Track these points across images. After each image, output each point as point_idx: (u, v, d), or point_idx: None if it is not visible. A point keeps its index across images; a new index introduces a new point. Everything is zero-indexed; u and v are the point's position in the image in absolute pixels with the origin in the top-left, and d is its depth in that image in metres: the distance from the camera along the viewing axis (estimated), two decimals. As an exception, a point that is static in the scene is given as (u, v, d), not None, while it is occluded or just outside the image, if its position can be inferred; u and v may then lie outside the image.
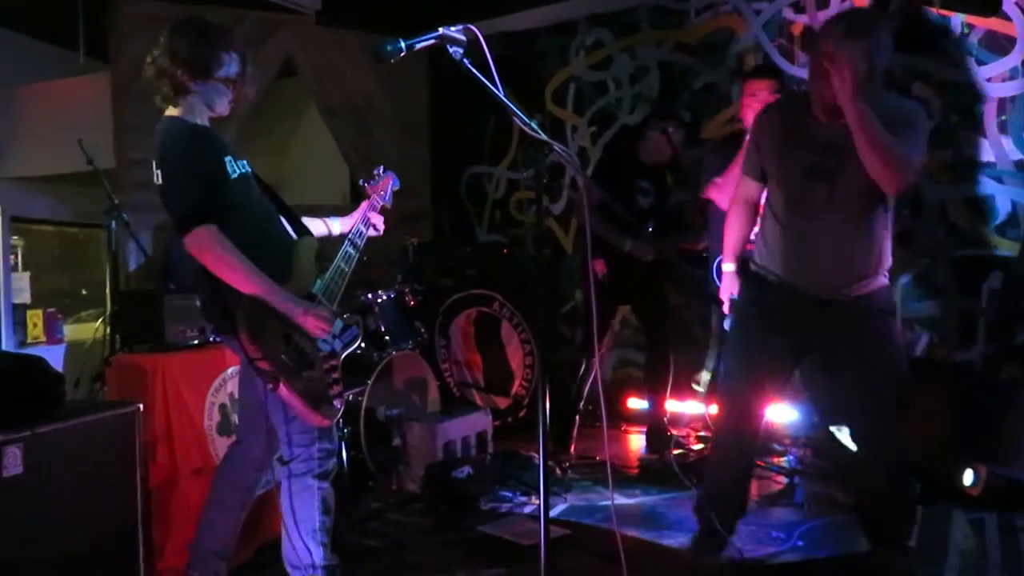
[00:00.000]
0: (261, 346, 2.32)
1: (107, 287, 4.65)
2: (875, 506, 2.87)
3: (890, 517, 2.82)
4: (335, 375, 2.49)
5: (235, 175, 2.45)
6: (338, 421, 3.71)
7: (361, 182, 2.99)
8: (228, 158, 2.46)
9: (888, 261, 2.77)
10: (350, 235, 2.73)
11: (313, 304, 2.43)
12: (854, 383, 2.79)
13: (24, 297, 6.32)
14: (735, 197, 3.07)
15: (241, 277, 2.31)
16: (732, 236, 3.07)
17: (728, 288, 3.12)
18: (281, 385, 2.31)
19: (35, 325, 6.31)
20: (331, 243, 2.78)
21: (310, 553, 2.48)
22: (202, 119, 2.49)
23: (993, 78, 4.33)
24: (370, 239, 2.86)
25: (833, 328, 2.75)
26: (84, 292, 7.26)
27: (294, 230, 2.64)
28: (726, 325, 3.09)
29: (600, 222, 4.18)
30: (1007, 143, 4.31)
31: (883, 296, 2.76)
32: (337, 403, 2.46)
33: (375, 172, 2.99)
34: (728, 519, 2.97)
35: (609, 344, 4.94)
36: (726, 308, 3.11)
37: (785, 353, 2.86)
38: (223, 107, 2.52)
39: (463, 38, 1.92)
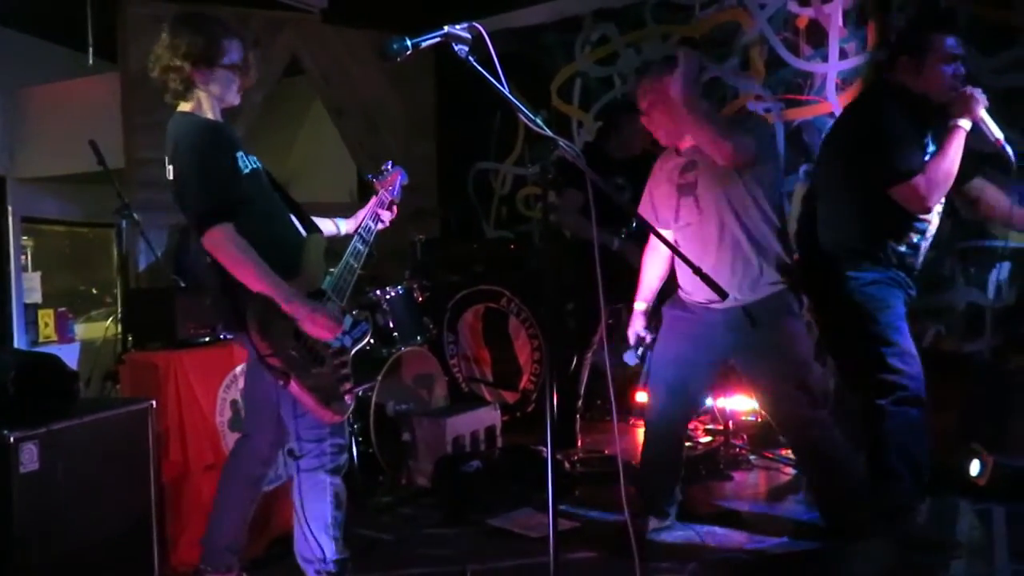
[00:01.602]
0: (271, 343, 2.33)
1: (118, 286, 4.68)
2: (821, 498, 3.11)
3: (834, 506, 3.02)
4: (345, 371, 2.51)
5: (247, 171, 2.47)
6: (348, 417, 3.76)
7: (369, 177, 2.99)
8: (240, 153, 2.47)
9: (772, 269, 2.95)
10: (358, 231, 2.74)
11: (322, 304, 2.44)
12: (755, 381, 3.13)
13: (35, 297, 6.36)
14: (649, 243, 3.30)
15: (253, 277, 2.33)
16: (645, 277, 3.30)
17: (634, 326, 3.28)
18: (292, 381, 2.32)
19: (46, 324, 6.36)
20: (340, 242, 2.80)
21: (322, 547, 2.51)
22: (214, 113, 2.50)
23: (999, 69, 4.32)
24: (378, 235, 2.86)
25: (731, 334, 2.98)
26: (94, 291, 7.31)
27: (303, 227, 2.66)
28: (626, 358, 3.29)
29: (584, 223, 4.19)
30: (1013, 135, 4.29)
31: (772, 303, 2.94)
32: (347, 399, 2.48)
33: (383, 168, 2.99)
34: (665, 492, 3.24)
35: (617, 338, 4.95)
36: (632, 340, 3.26)
37: (703, 360, 3.10)
38: (232, 96, 2.54)
39: (468, 36, 1.92)
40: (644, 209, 3.26)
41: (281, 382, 2.33)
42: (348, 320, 2.55)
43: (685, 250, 3.00)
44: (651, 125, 3.13)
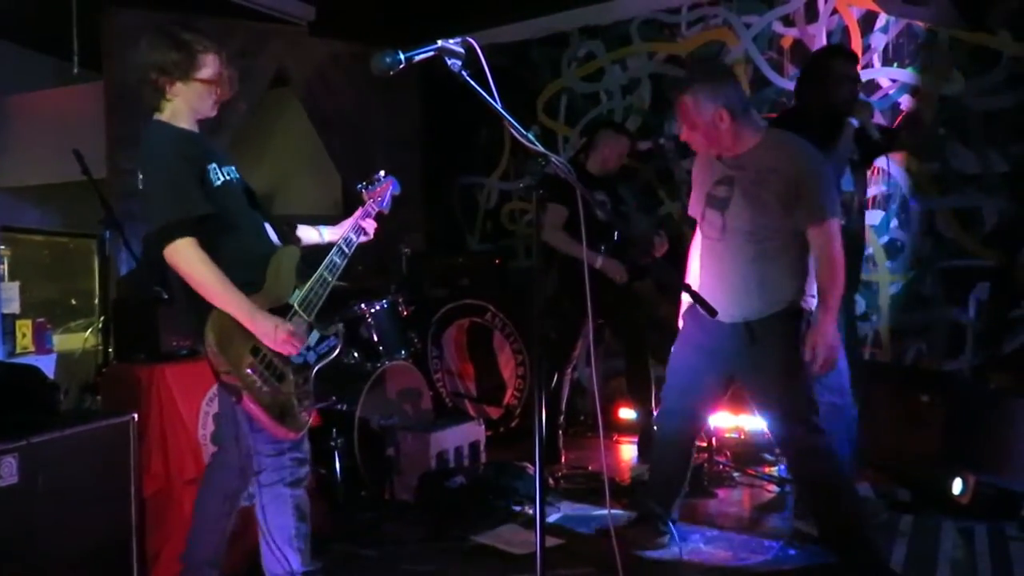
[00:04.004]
0: (227, 359, 2.30)
1: (98, 297, 4.63)
2: (819, 521, 3.07)
3: (832, 530, 2.98)
4: (306, 387, 2.48)
5: (219, 182, 2.43)
6: (332, 431, 3.73)
7: (359, 187, 2.94)
8: (212, 165, 2.44)
9: (786, 293, 2.91)
10: (338, 243, 2.69)
11: (283, 320, 2.39)
12: (753, 399, 3.13)
13: (13, 307, 6.29)
14: (696, 232, 3.27)
15: (215, 292, 2.30)
16: (691, 266, 3.28)
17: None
18: (244, 398, 2.29)
19: (24, 335, 6.28)
20: (322, 251, 2.74)
21: (288, 560, 2.47)
22: (188, 123, 2.48)
23: (980, 91, 4.39)
24: (364, 248, 2.83)
25: (735, 349, 2.96)
26: (73, 302, 7.23)
27: (280, 238, 2.62)
28: None
29: (567, 238, 4.20)
30: (994, 155, 4.37)
31: (777, 322, 2.91)
32: (304, 415, 2.44)
33: (375, 177, 2.94)
34: (667, 501, 3.25)
35: (601, 354, 4.97)
36: None
37: (710, 370, 3.11)
38: (207, 108, 2.51)
39: (461, 51, 1.92)
40: (691, 202, 3.22)
41: (234, 398, 2.31)
42: (314, 335, 2.51)
43: (705, 259, 3.06)
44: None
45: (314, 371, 2.53)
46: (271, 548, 2.47)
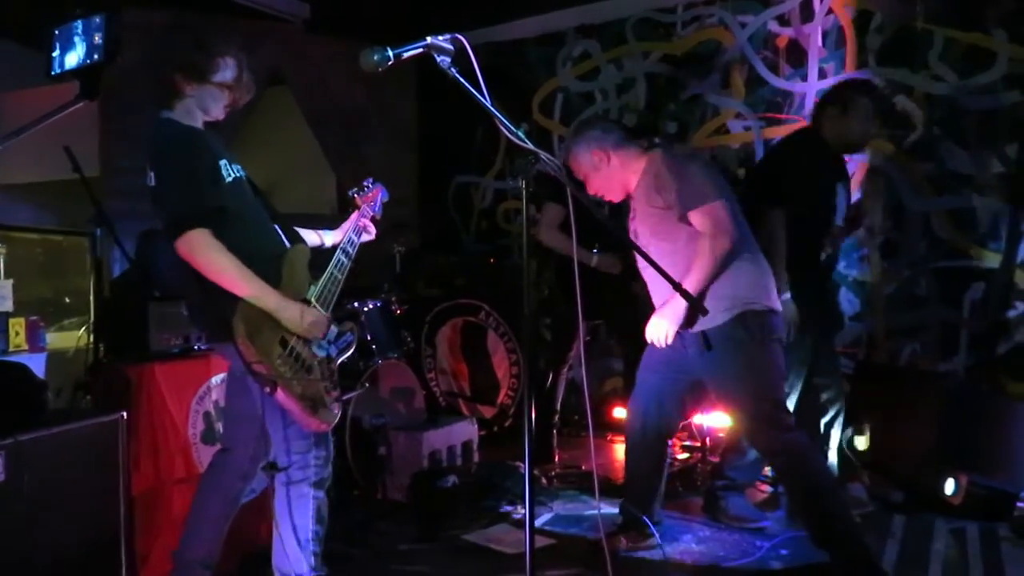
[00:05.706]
0: (258, 350, 2.28)
1: (91, 295, 4.60)
2: (803, 519, 3.09)
3: (815, 527, 2.98)
4: (332, 380, 2.49)
5: (229, 179, 2.45)
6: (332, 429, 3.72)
7: (350, 193, 2.97)
8: (223, 161, 2.45)
9: (730, 300, 2.92)
10: (342, 244, 2.72)
11: (307, 306, 2.41)
12: (721, 404, 3.26)
13: (7, 305, 6.25)
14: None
15: (234, 280, 2.30)
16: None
17: None
18: (279, 389, 2.28)
19: (17, 333, 6.24)
20: (322, 254, 2.77)
21: (302, 562, 2.47)
22: (196, 122, 2.49)
23: (975, 91, 4.39)
24: (359, 246, 2.86)
25: (697, 355, 3.03)
26: (67, 300, 7.20)
27: (287, 237, 2.63)
28: None
29: (563, 238, 4.20)
30: (989, 156, 4.36)
31: (727, 329, 2.94)
32: (334, 408, 2.45)
33: (364, 184, 2.98)
34: (645, 503, 3.24)
35: (593, 353, 4.96)
36: None
37: (679, 372, 3.17)
38: (218, 111, 2.53)
39: (451, 47, 1.92)
40: None
41: (267, 389, 2.28)
42: (333, 330, 2.52)
43: (650, 286, 3.15)
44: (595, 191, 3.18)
45: (336, 365, 2.54)
46: (287, 547, 2.47)
